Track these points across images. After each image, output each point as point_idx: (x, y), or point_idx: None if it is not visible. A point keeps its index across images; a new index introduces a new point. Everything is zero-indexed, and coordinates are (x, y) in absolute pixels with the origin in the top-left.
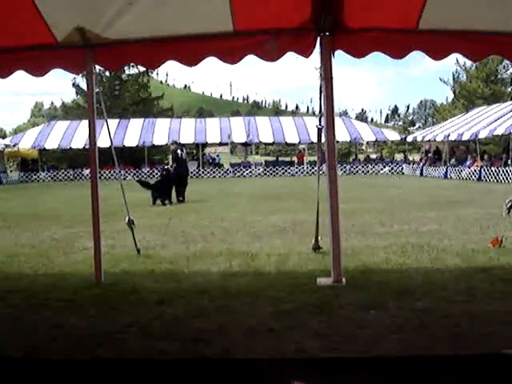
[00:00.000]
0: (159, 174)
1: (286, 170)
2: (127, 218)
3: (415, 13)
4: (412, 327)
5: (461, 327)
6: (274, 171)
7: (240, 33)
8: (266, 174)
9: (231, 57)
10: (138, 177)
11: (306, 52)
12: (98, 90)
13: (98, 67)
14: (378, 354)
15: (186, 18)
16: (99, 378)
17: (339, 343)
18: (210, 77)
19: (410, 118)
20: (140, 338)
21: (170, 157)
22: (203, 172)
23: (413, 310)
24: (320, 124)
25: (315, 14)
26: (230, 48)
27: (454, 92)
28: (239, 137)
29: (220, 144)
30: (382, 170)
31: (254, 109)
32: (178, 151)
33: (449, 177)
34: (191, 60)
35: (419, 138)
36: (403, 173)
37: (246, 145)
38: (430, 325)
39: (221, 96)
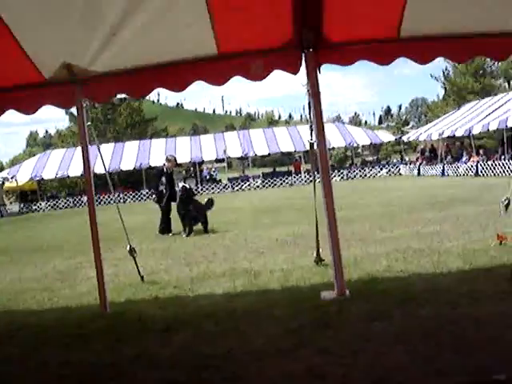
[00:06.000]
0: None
1: (283, 181)
2: (128, 247)
3: (394, 23)
4: (417, 336)
5: (466, 332)
6: (272, 182)
7: (225, 55)
8: (264, 185)
9: (218, 79)
10: (137, 199)
11: (293, 69)
12: (89, 123)
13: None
14: None
15: (170, 45)
16: None
17: (347, 358)
18: (202, 93)
19: (403, 117)
20: (149, 369)
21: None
22: (201, 189)
23: (417, 317)
24: (311, 138)
25: (297, 32)
26: (216, 71)
27: (445, 89)
28: (235, 151)
29: (216, 160)
30: (379, 172)
31: (248, 121)
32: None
33: (446, 174)
34: (178, 85)
35: (413, 138)
36: (400, 174)
37: (242, 158)
38: (434, 332)
39: (214, 111)
